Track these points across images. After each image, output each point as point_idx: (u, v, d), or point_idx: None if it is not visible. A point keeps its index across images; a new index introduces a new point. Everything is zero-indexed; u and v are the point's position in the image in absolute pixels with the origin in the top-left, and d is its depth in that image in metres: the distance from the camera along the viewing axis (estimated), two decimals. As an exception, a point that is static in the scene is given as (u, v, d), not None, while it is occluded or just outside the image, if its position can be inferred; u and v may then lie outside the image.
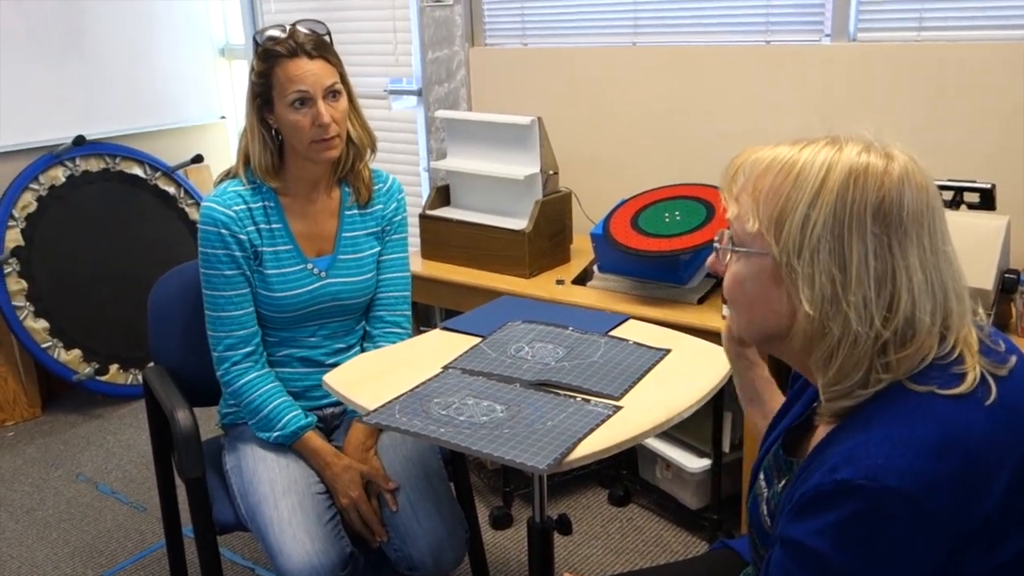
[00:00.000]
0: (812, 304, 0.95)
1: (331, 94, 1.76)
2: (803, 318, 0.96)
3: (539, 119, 2.60)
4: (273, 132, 1.81)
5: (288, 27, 1.76)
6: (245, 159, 1.83)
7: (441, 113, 2.92)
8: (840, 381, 0.96)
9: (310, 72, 1.73)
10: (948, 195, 2.05)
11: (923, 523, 0.88)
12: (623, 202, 2.48)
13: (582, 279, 2.53)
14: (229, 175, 1.86)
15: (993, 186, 2.03)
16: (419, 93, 3.38)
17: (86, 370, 3.36)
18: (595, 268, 2.49)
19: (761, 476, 1.18)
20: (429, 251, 2.80)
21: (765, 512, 1.14)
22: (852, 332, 0.94)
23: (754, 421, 1.36)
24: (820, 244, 0.94)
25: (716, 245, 1.08)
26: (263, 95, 1.77)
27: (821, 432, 1.03)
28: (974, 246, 1.90)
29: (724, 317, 2.15)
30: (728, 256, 1.05)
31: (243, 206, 1.80)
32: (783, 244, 0.96)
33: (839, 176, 0.94)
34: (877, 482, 0.88)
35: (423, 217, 2.80)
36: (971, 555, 0.91)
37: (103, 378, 3.41)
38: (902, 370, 0.94)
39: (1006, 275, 1.92)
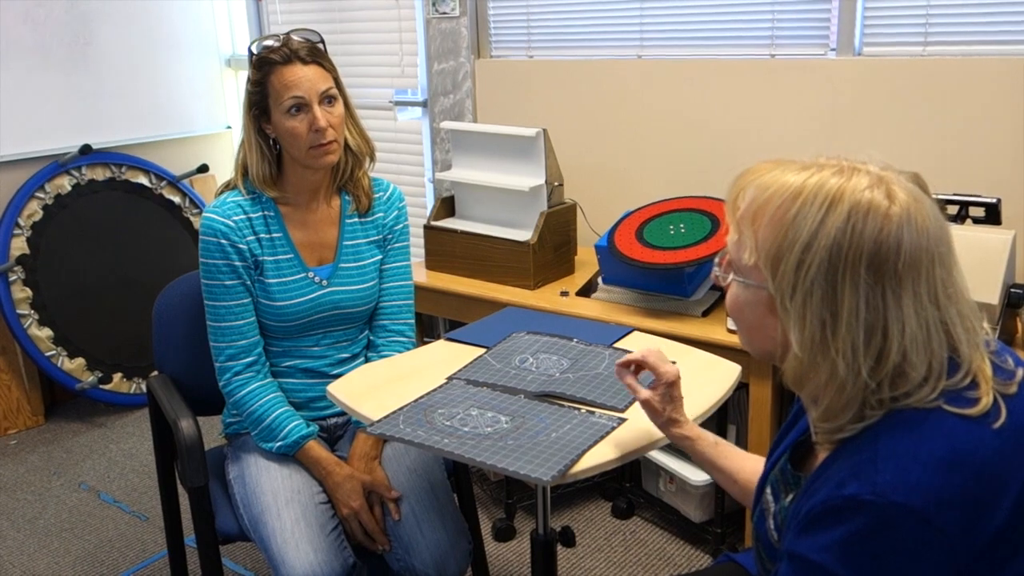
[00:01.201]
0: (801, 346, 0.95)
1: (327, 99, 1.77)
2: (792, 357, 0.97)
3: (544, 131, 2.61)
4: (271, 142, 1.82)
5: (282, 36, 1.78)
6: (243, 170, 1.83)
7: (446, 124, 2.93)
8: (828, 419, 0.97)
9: (305, 78, 1.74)
10: (953, 209, 2.05)
11: (931, 539, 0.87)
12: (628, 214, 2.48)
13: (586, 291, 2.53)
14: (229, 186, 1.86)
15: (998, 200, 2.03)
16: (424, 104, 3.39)
17: (90, 379, 3.36)
18: (600, 280, 2.49)
19: (768, 490, 1.17)
20: (434, 262, 2.80)
21: (772, 527, 1.13)
22: (839, 378, 0.94)
23: (725, 486, 1.39)
24: (813, 288, 0.93)
25: (716, 271, 1.08)
26: (259, 104, 1.78)
27: (828, 446, 1.03)
28: (980, 261, 1.90)
29: (730, 330, 2.14)
30: (729, 277, 1.05)
31: (242, 216, 1.81)
32: (778, 283, 0.96)
33: (838, 218, 0.92)
34: (884, 497, 0.87)
35: (428, 228, 2.81)
36: (981, 571, 0.91)
37: (107, 387, 3.41)
38: (901, 405, 0.93)
39: (1012, 290, 1.92)
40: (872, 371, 0.93)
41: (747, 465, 1.35)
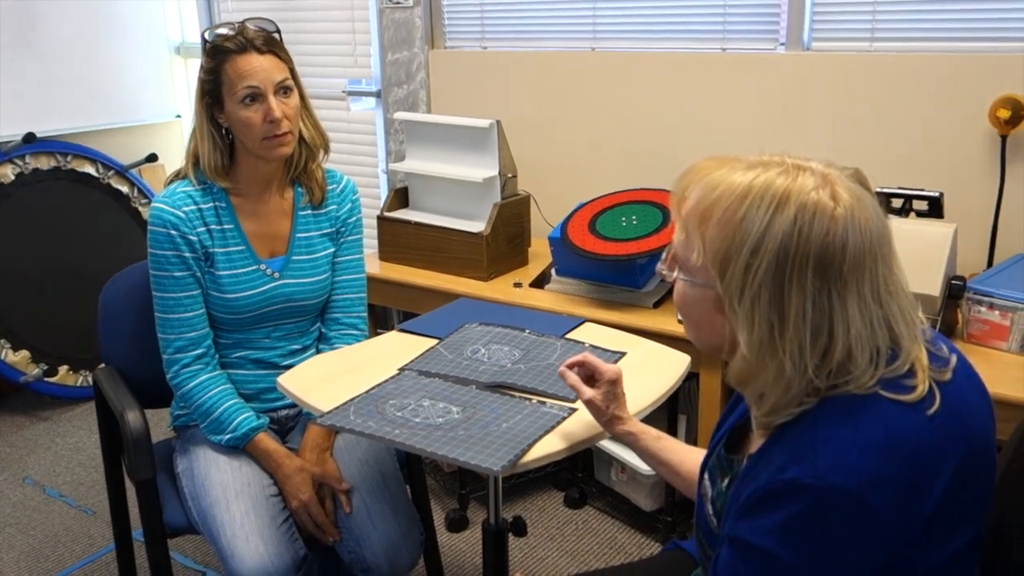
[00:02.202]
0: (749, 347, 0.96)
1: (282, 90, 1.75)
2: (740, 357, 0.98)
3: (498, 122, 2.61)
4: (223, 131, 1.80)
5: (237, 25, 1.76)
6: (194, 160, 1.81)
7: (400, 115, 2.91)
8: (771, 415, 0.98)
9: (260, 67, 1.72)
10: (898, 203, 2.09)
11: (869, 520, 0.89)
12: (581, 206, 2.49)
13: (540, 282, 2.54)
14: (179, 176, 1.83)
15: (941, 194, 2.07)
16: (378, 95, 3.37)
17: (34, 371, 3.29)
18: (553, 271, 2.50)
19: (706, 476, 1.19)
20: (387, 253, 2.79)
21: (711, 512, 1.15)
22: (785, 377, 0.95)
23: (669, 479, 1.42)
24: (761, 290, 0.94)
25: (661, 268, 1.10)
26: (212, 93, 1.76)
27: (764, 432, 1.05)
28: (922, 253, 1.94)
29: (680, 321, 2.16)
30: (675, 273, 1.06)
31: (193, 207, 1.78)
32: (726, 285, 0.97)
33: (785, 221, 0.93)
34: (824, 480, 0.89)
35: (381, 219, 2.79)
36: (921, 550, 0.94)
37: (52, 379, 3.34)
38: (840, 391, 0.95)
39: (953, 281, 1.97)
40: (817, 369, 0.94)
41: (689, 458, 1.38)
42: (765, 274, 0.93)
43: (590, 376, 1.40)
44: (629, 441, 1.41)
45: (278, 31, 1.81)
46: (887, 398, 0.94)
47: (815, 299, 0.93)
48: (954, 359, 1.02)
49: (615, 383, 1.38)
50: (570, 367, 1.41)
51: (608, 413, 1.38)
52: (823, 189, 0.94)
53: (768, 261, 0.93)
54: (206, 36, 1.77)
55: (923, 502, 0.92)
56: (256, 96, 1.72)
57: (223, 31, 1.75)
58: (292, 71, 1.79)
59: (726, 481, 1.12)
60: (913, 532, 0.92)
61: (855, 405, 0.94)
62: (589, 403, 1.38)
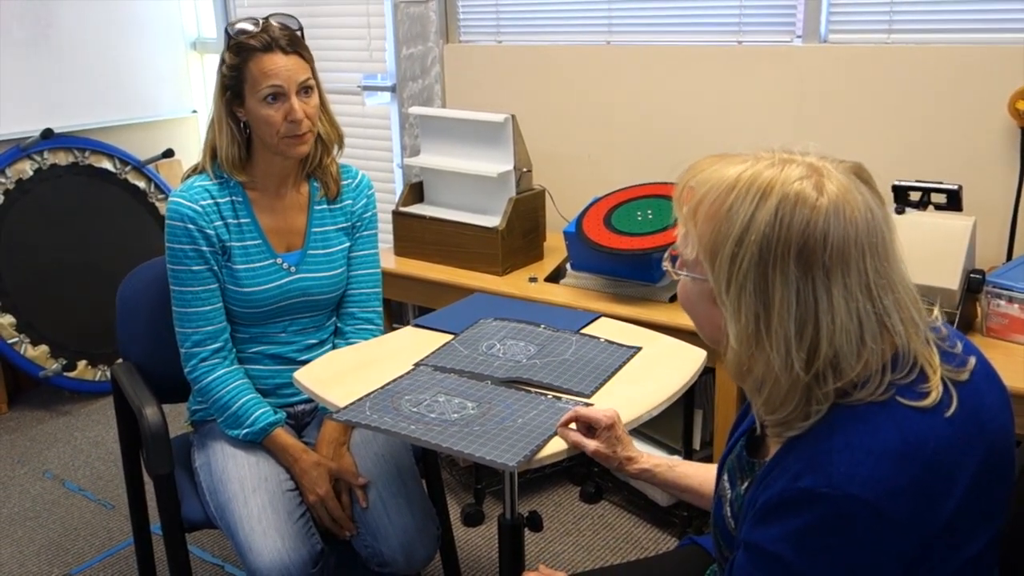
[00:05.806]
0: (737, 339, 0.96)
1: (304, 90, 1.75)
2: (730, 350, 0.97)
3: (513, 116, 2.60)
4: (241, 125, 1.80)
5: (261, 21, 1.76)
6: (212, 153, 1.81)
7: (415, 110, 2.91)
8: (772, 411, 0.97)
9: (284, 67, 1.72)
10: (916, 196, 2.08)
11: (885, 530, 0.88)
12: (596, 200, 2.49)
13: (555, 277, 2.54)
14: (196, 170, 1.84)
15: (960, 187, 2.05)
16: (393, 89, 3.37)
17: (53, 366, 3.32)
18: (568, 266, 2.50)
19: (725, 477, 1.19)
20: (402, 248, 2.80)
21: (728, 514, 1.14)
22: (774, 372, 0.94)
23: (695, 503, 1.42)
24: (746, 281, 0.94)
25: (666, 266, 1.10)
26: (234, 88, 1.76)
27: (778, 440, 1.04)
28: (940, 246, 1.93)
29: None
30: (678, 271, 1.07)
31: (210, 201, 1.79)
32: (715, 276, 0.97)
33: (767, 212, 0.92)
34: (839, 490, 0.88)
35: (396, 214, 2.80)
36: (937, 556, 0.92)
37: (71, 374, 3.37)
38: (853, 400, 0.93)
39: (971, 275, 1.95)
40: (805, 365, 0.93)
41: (710, 476, 1.37)
42: (749, 263, 0.93)
43: (588, 427, 1.41)
44: (647, 477, 1.41)
45: (301, 29, 1.81)
46: (903, 404, 0.92)
47: (799, 290, 0.92)
48: (972, 360, 1.00)
49: (612, 427, 1.38)
50: (564, 425, 1.41)
51: (618, 457, 1.39)
52: (807, 180, 0.93)
53: (752, 251, 0.93)
54: (230, 31, 1.77)
55: (941, 508, 0.91)
56: (279, 95, 1.72)
57: (247, 27, 1.75)
58: (313, 70, 1.79)
59: (745, 484, 1.11)
60: (931, 538, 0.91)
61: (870, 414, 0.92)
62: (596, 454, 1.39)
